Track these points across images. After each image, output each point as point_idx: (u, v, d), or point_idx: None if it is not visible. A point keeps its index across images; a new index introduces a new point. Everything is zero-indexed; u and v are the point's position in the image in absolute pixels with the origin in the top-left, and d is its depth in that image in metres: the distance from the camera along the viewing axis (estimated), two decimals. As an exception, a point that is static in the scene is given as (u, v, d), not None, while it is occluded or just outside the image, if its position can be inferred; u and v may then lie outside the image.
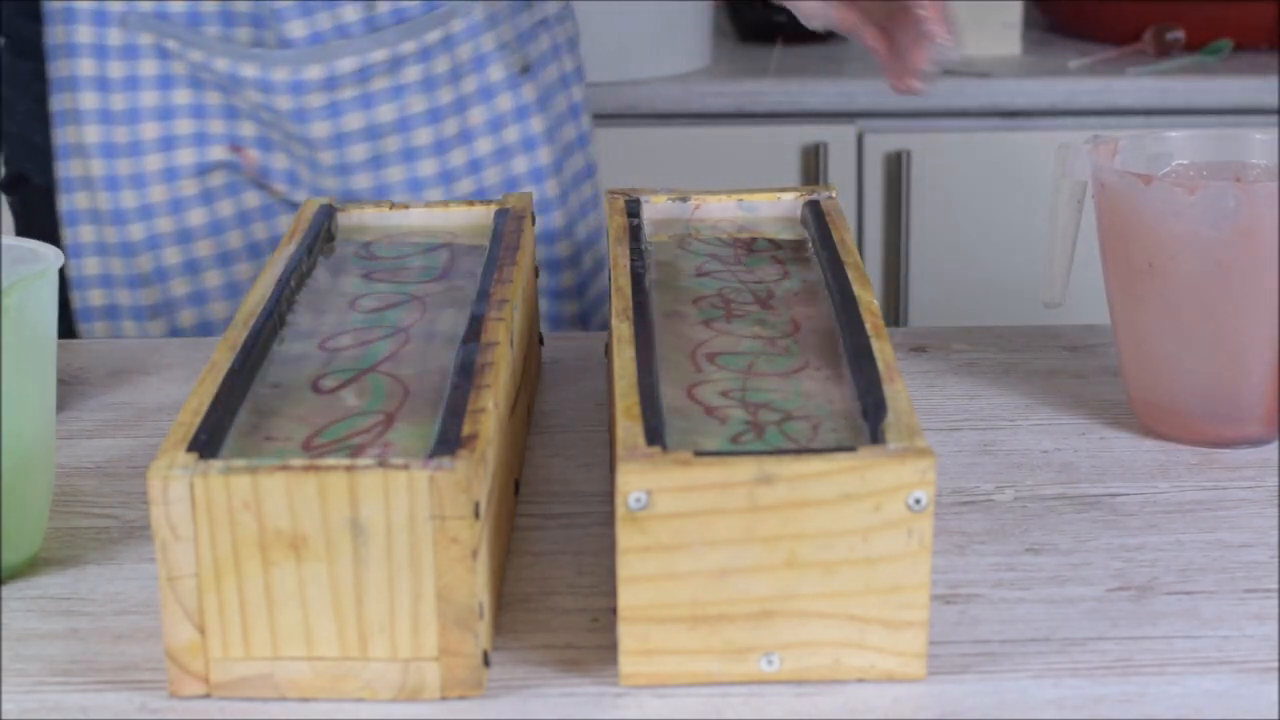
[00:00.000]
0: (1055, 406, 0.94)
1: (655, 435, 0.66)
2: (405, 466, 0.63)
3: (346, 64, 1.12)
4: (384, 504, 0.63)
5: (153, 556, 0.74)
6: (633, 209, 0.91)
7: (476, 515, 0.64)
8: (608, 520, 0.80)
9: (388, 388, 0.73)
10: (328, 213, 0.91)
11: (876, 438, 0.66)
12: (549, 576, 0.76)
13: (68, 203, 1.15)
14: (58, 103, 1.14)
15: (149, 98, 1.13)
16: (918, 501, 0.64)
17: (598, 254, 1.26)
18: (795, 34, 2.10)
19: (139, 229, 1.14)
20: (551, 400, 0.96)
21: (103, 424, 0.93)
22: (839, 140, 2.02)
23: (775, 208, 0.93)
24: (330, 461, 0.64)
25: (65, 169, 1.15)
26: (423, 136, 1.15)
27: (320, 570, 0.64)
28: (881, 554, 0.64)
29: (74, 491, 0.85)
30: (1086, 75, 2.04)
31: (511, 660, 0.69)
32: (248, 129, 1.14)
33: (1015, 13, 2.12)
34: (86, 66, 1.12)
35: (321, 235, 0.89)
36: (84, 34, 1.12)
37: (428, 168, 1.15)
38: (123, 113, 1.13)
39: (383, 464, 0.63)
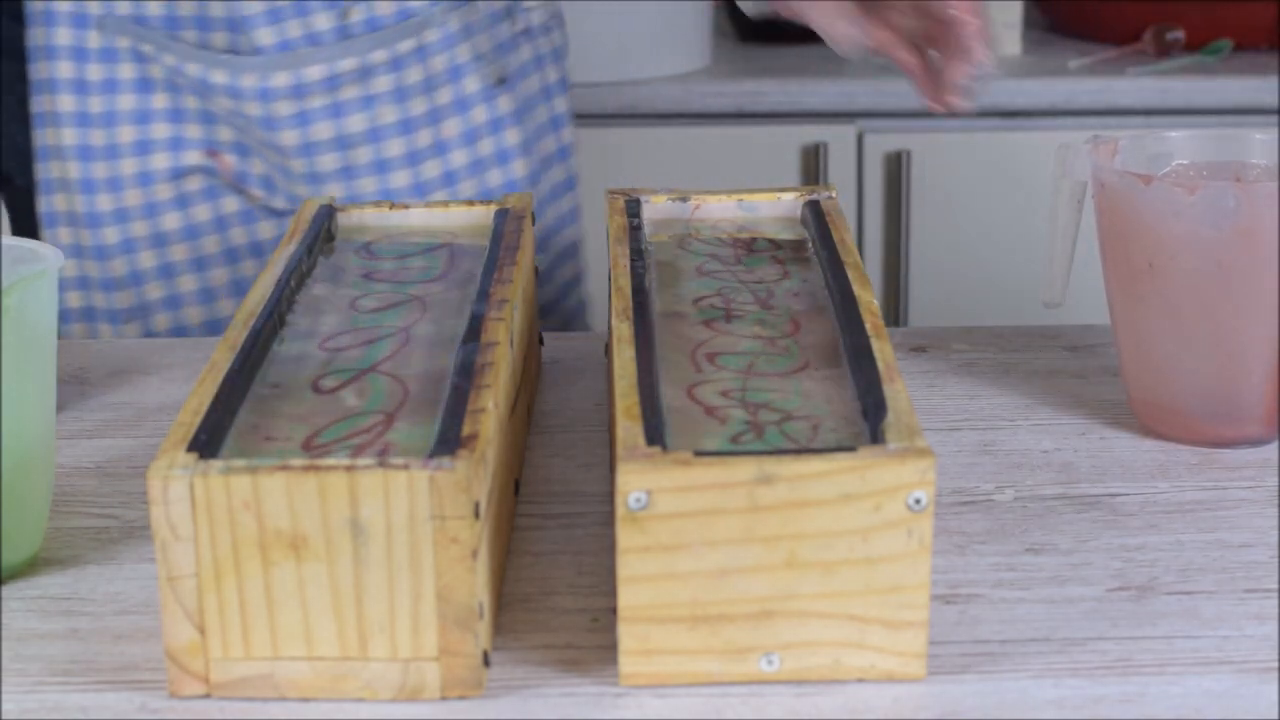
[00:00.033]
0: (1055, 406, 0.94)
1: (655, 435, 0.66)
2: (405, 466, 0.63)
3: (314, 72, 1.10)
4: (384, 504, 0.63)
5: (153, 556, 0.74)
6: (633, 209, 0.91)
7: (476, 515, 0.64)
8: (608, 520, 0.80)
9: (388, 388, 0.73)
10: (328, 213, 0.91)
11: (876, 438, 0.66)
12: (549, 576, 0.76)
13: (47, 204, 1.14)
14: (38, 104, 1.13)
15: (126, 101, 1.12)
16: (918, 501, 0.64)
17: (576, 268, 1.24)
18: (795, 34, 2.09)
19: (114, 232, 1.13)
20: (551, 400, 0.96)
21: (103, 424, 0.93)
22: (839, 140, 2.02)
23: (775, 208, 0.93)
24: (330, 461, 0.64)
25: (45, 170, 1.14)
26: (395, 148, 1.13)
27: (320, 570, 0.64)
28: (881, 554, 0.64)
29: (74, 491, 0.85)
30: (1086, 75, 2.03)
31: (511, 660, 0.69)
32: (224, 134, 1.13)
33: (1015, 13, 2.12)
34: (65, 69, 1.11)
35: (321, 235, 0.89)
36: (63, 36, 1.11)
37: (400, 179, 1.13)
38: (100, 115, 1.12)
39: (383, 464, 0.63)
